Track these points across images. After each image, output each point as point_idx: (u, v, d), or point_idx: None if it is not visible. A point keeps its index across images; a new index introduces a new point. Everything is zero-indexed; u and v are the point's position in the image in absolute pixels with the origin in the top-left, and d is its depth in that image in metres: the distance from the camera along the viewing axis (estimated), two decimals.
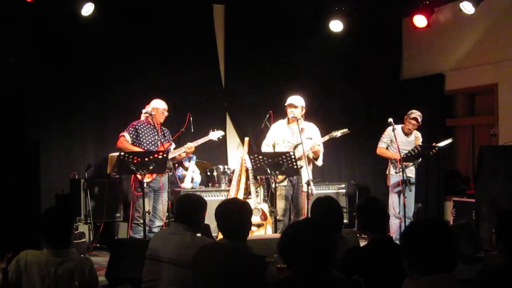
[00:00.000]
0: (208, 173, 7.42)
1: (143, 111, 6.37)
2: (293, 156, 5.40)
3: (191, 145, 6.21)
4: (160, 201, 6.18)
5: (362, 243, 4.04)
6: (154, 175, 6.06)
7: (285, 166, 5.45)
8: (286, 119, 6.25)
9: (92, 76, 7.27)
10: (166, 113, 6.28)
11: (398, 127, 6.74)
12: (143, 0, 7.44)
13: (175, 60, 7.74)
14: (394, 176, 6.76)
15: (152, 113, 6.15)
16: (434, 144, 6.62)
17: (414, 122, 6.70)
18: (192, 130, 6.62)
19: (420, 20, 7.22)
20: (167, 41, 7.67)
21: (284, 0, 7.86)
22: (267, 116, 7.51)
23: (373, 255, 3.18)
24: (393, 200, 6.77)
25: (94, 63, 7.23)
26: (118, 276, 4.50)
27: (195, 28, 7.82)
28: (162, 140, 6.25)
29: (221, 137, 6.58)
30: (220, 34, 8.09)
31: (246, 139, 6.89)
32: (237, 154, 7.64)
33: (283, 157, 5.46)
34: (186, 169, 7.18)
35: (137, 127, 6.22)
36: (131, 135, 6.16)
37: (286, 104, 6.15)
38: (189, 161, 7.18)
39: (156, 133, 6.25)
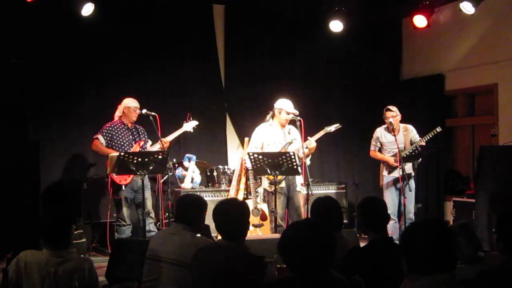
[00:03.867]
0: (208, 173, 7.43)
1: (117, 112, 6.39)
2: (293, 156, 5.40)
3: (165, 140, 6.19)
4: (145, 199, 6.08)
5: (362, 243, 4.04)
6: (130, 177, 6.08)
7: (285, 166, 5.45)
8: (270, 122, 6.20)
9: (92, 76, 7.27)
10: (138, 111, 6.27)
11: (381, 128, 6.81)
12: (143, 0, 7.44)
13: (175, 60, 7.74)
14: (386, 176, 6.80)
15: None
16: (424, 138, 6.53)
17: (388, 115, 6.64)
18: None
19: (420, 20, 7.21)
20: (167, 41, 7.68)
21: (284, 0, 7.86)
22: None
23: (373, 255, 3.18)
24: (387, 201, 6.76)
25: (94, 63, 7.23)
26: (118, 276, 4.50)
27: (195, 28, 7.83)
28: (136, 139, 6.32)
29: (195, 127, 6.51)
30: (220, 34, 8.09)
31: (246, 139, 6.86)
32: (237, 154, 7.64)
33: (283, 157, 5.45)
34: (186, 169, 7.18)
35: (110, 128, 6.26)
36: (105, 137, 6.21)
37: (283, 108, 6.09)
38: (189, 161, 7.18)
39: (129, 133, 6.28)
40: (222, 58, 8.12)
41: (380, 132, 6.82)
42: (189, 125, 6.47)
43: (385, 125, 6.79)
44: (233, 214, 3.11)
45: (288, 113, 6.03)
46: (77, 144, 7.23)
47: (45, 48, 6.86)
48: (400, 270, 2.40)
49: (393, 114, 6.66)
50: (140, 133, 6.46)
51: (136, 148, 6.29)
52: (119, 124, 6.31)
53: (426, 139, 6.49)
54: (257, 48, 8.17)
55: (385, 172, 6.82)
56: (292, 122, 6.14)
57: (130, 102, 6.33)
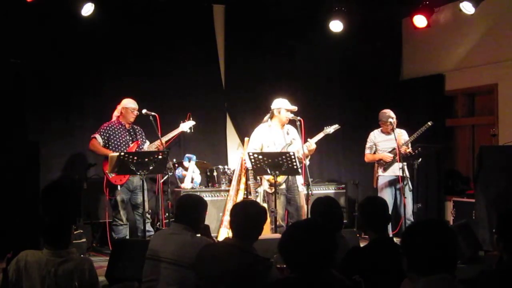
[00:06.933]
0: (208, 173, 7.42)
1: (115, 112, 6.43)
2: (293, 156, 5.40)
3: (162, 140, 6.21)
4: (139, 200, 6.06)
5: (362, 243, 4.05)
6: (126, 177, 6.11)
7: (285, 166, 5.45)
8: (269, 122, 6.20)
9: (92, 76, 7.27)
10: (136, 112, 6.34)
11: (377, 131, 6.91)
12: (143, 0, 7.44)
13: (175, 60, 7.73)
14: (382, 176, 6.82)
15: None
16: (414, 135, 6.62)
17: (390, 122, 6.72)
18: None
19: (420, 20, 7.21)
20: (167, 41, 7.67)
21: (284, 0, 7.86)
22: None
23: (373, 255, 3.18)
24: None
25: (94, 63, 7.23)
26: (118, 276, 4.50)
27: (195, 28, 7.82)
28: (133, 140, 6.36)
29: (192, 127, 6.56)
30: (220, 34, 8.08)
31: (246, 139, 6.88)
32: (237, 154, 7.64)
33: (283, 157, 5.45)
34: (186, 169, 7.17)
35: (108, 128, 6.28)
36: (103, 137, 6.23)
37: (282, 106, 6.09)
38: (189, 161, 7.18)
39: (127, 133, 6.30)
40: (222, 58, 8.11)
41: (373, 134, 6.92)
42: (186, 125, 6.50)
43: (379, 129, 6.87)
44: (257, 216, 3.17)
45: (287, 110, 6.04)
46: (77, 144, 7.22)
47: (45, 48, 6.86)
48: (400, 270, 2.40)
49: (392, 121, 6.70)
50: (138, 133, 6.48)
51: (132, 148, 6.30)
52: (117, 124, 6.34)
53: (417, 135, 6.58)
54: (257, 48, 8.16)
55: (380, 171, 6.84)
56: (292, 122, 6.14)
57: (128, 103, 6.36)
